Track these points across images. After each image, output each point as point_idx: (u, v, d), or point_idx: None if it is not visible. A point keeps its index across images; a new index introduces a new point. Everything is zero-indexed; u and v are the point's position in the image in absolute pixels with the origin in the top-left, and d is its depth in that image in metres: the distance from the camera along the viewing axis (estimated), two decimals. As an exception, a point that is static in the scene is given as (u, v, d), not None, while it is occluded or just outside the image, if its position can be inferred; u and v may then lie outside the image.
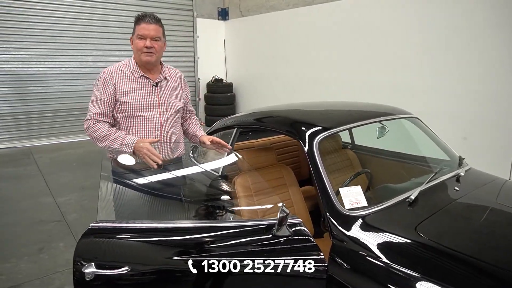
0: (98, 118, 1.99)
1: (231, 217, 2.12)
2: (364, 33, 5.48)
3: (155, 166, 1.86)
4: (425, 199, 1.74)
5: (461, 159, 2.25)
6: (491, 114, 4.08)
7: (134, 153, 1.93)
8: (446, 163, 2.23)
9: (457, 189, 1.87)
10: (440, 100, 4.50)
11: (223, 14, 8.55)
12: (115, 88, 1.99)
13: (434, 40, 4.54)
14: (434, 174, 1.93)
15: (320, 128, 1.90)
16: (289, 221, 1.54)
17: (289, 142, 3.31)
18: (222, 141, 2.10)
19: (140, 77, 2.05)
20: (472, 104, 4.24)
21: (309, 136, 1.85)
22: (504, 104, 3.97)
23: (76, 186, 4.59)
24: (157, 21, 2.01)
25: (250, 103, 8.24)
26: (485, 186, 1.96)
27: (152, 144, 1.94)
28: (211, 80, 8.28)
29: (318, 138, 1.84)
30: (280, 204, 1.50)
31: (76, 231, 3.40)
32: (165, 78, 2.12)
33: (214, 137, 2.14)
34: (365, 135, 2.80)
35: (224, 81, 8.41)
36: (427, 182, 1.82)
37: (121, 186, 1.81)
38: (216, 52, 8.63)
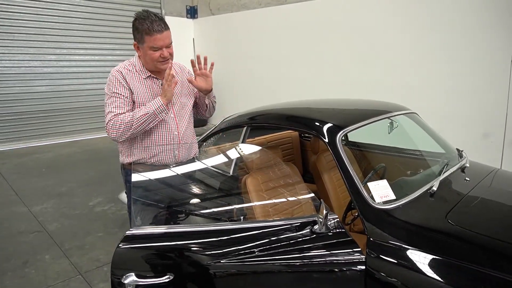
0: None
1: (242, 217, 2.10)
2: (336, 32, 5.63)
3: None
4: (443, 190, 1.82)
5: (459, 151, 2.38)
6: (463, 110, 4.37)
7: (167, 105, 1.86)
8: (446, 156, 2.34)
9: (468, 179, 1.97)
10: (414, 96, 4.72)
11: (192, 12, 8.40)
12: (129, 87, 1.88)
13: (409, 38, 4.77)
14: (445, 165, 2.02)
15: (341, 124, 1.93)
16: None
17: (284, 140, 3.32)
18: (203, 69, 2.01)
19: (147, 77, 1.95)
20: (445, 100, 4.51)
21: (331, 133, 1.87)
22: (475, 100, 4.26)
23: (51, 193, 4.30)
24: (165, 24, 1.85)
25: (222, 102, 8.12)
26: (490, 175, 2.10)
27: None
28: (182, 80, 8.10)
29: (341, 134, 1.86)
30: (309, 197, 1.50)
31: (61, 241, 3.18)
32: (173, 75, 2.04)
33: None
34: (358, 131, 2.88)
35: (194, 80, 8.25)
36: (443, 173, 1.91)
37: (144, 189, 1.72)
38: (185, 51, 8.45)
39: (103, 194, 4.22)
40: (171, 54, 1.89)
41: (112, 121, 1.82)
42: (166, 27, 1.83)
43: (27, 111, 6.46)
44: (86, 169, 5.20)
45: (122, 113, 1.84)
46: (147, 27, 1.77)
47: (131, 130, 1.81)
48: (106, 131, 1.86)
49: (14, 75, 6.29)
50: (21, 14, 6.22)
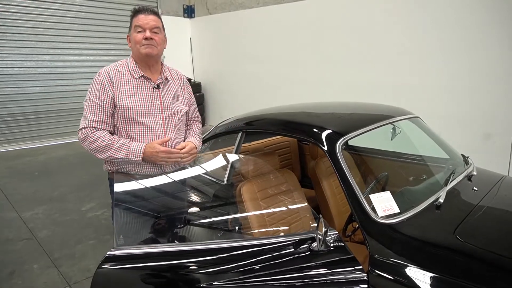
0: (96, 126, 1.77)
1: (236, 227, 1.99)
2: (335, 32, 5.51)
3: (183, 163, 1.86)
4: (450, 202, 1.71)
5: (465, 157, 2.27)
6: (465, 111, 4.25)
7: (143, 160, 1.77)
8: (452, 163, 2.23)
9: (476, 189, 1.86)
10: (413, 96, 4.61)
11: (189, 12, 8.28)
12: (114, 92, 1.78)
13: (409, 37, 4.66)
14: (451, 173, 1.91)
15: (340, 131, 1.82)
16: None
17: (282, 145, 3.21)
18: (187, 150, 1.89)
19: (140, 77, 1.86)
20: (446, 100, 4.40)
21: (331, 140, 1.76)
22: (477, 100, 4.15)
23: (42, 198, 4.18)
24: (155, 13, 1.86)
25: (220, 103, 8.05)
26: (497, 184, 1.99)
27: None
28: (179, 80, 7.98)
29: (341, 141, 1.75)
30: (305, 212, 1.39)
31: (50, 250, 3.06)
32: (166, 78, 1.95)
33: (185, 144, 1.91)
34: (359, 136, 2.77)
35: (192, 80, 8.14)
36: (450, 182, 1.80)
37: (128, 203, 1.60)
38: (183, 50, 8.34)
39: (96, 199, 4.10)
40: (157, 41, 1.83)
41: (88, 131, 1.77)
42: (153, 13, 1.85)
43: (20, 113, 6.33)
44: (79, 172, 5.07)
45: (99, 121, 1.78)
46: (135, 12, 1.83)
47: (100, 155, 1.78)
48: (78, 134, 1.82)
49: (7, 76, 6.15)
50: (15, 14, 6.08)
